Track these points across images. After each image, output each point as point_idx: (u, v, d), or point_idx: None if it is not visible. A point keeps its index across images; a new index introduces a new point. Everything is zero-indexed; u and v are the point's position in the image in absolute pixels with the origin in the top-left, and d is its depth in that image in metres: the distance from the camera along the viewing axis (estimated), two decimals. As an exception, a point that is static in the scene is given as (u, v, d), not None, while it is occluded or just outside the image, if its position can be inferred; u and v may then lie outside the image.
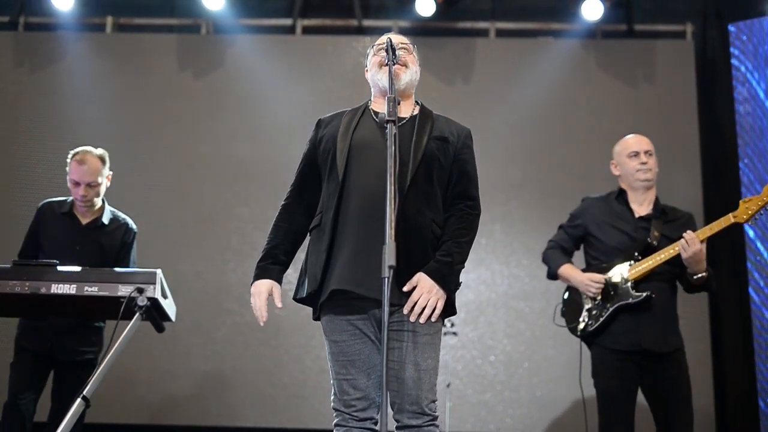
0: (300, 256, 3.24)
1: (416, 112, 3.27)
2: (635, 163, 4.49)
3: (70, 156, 4.74)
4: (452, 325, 5.72)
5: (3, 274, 4.02)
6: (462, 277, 3.17)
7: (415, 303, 2.98)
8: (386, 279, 2.60)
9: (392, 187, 2.75)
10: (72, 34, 7.25)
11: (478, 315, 6.68)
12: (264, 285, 3.18)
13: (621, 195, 4.59)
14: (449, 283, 3.06)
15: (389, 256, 2.60)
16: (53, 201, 4.86)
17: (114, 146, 6.51)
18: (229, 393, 6.55)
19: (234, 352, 6.61)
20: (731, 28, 6.63)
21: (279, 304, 3.17)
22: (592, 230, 4.59)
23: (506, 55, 7.26)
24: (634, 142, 4.55)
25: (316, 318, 3.21)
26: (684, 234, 4.21)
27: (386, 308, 2.59)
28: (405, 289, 2.99)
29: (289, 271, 3.13)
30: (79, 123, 6.86)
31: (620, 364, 4.35)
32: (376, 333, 3.07)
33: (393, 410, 3.04)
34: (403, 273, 2.98)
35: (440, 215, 3.17)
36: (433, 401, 3.03)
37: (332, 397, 3.14)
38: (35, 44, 7.31)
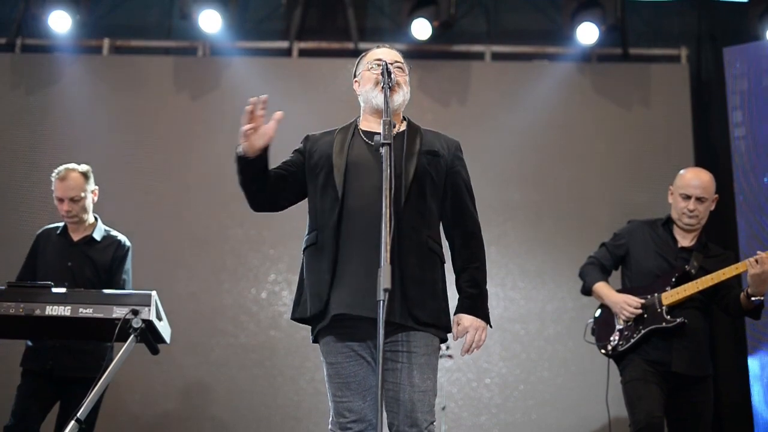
0: (294, 278, 3.21)
1: (403, 127, 3.28)
2: (683, 206, 4.52)
3: (53, 175, 4.78)
4: (447, 347, 5.70)
5: (-2, 296, 4.02)
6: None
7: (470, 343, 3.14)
8: (381, 302, 2.60)
9: (388, 210, 2.75)
10: (69, 56, 7.25)
11: (474, 337, 6.64)
12: None
13: (667, 223, 4.64)
14: (486, 311, 3.16)
15: (385, 279, 2.61)
16: (50, 227, 4.93)
17: (110, 167, 6.55)
18: (224, 414, 6.50)
19: (228, 373, 6.56)
20: (726, 51, 6.67)
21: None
22: (634, 252, 4.65)
23: (502, 77, 7.29)
24: (690, 185, 4.53)
25: (315, 340, 3.19)
26: (759, 251, 4.24)
27: (381, 330, 2.59)
28: (455, 339, 3.17)
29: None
30: (75, 145, 6.84)
31: (652, 369, 4.40)
32: (372, 354, 3.06)
33: None
34: (406, 291, 3.00)
35: (436, 231, 3.19)
36: (432, 422, 3.02)
37: (330, 420, 3.12)
38: (32, 66, 7.32)
